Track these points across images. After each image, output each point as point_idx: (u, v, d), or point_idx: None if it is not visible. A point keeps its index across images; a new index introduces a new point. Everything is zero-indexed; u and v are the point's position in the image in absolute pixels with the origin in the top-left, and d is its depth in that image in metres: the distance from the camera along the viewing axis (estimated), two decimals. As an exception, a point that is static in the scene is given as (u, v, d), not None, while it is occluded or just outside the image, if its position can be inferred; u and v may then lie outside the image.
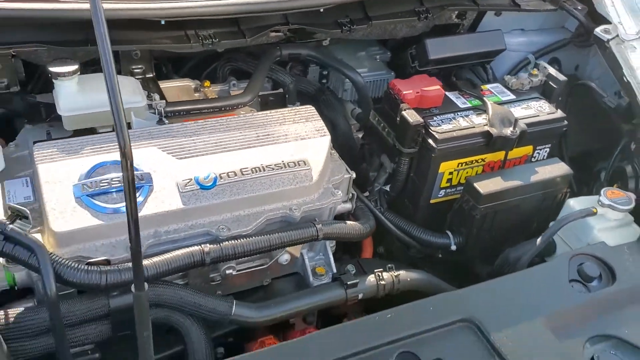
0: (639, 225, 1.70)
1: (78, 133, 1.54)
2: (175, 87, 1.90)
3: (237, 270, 1.51)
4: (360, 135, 2.08)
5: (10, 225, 1.21)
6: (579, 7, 2.16)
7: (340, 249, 1.85)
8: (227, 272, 1.49)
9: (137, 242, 0.93)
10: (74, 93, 1.50)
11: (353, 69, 1.99)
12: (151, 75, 1.79)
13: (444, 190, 1.84)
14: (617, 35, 1.96)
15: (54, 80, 1.49)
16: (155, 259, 1.31)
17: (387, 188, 1.90)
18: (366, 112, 1.98)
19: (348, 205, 1.68)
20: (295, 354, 1.26)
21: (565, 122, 1.88)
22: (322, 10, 1.79)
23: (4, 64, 1.61)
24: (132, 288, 0.97)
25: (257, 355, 1.27)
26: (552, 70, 1.98)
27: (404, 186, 1.86)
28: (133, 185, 0.87)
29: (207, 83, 1.93)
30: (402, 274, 1.59)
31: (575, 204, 1.72)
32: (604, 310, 1.45)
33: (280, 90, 2.01)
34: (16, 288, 1.36)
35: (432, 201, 1.85)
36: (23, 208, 1.24)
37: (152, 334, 1.06)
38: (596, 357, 1.35)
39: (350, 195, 1.69)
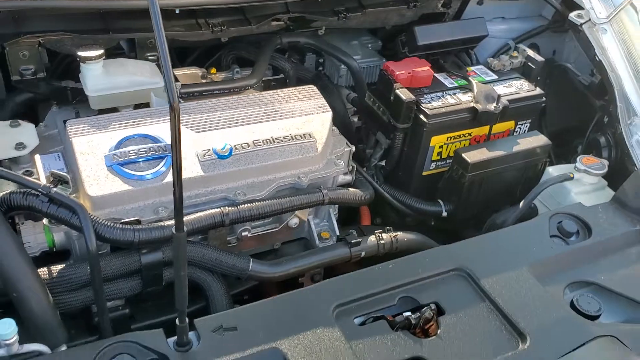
0: (612, 189, 1.88)
1: (102, 113, 1.69)
2: (184, 75, 2.05)
3: (252, 233, 1.66)
4: (355, 119, 2.25)
5: (54, 189, 1.36)
6: (556, -5, 2.35)
7: (340, 222, 2.01)
8: (243, 234, 1.65)
9: (180, 187, 1.07)
10: (100, 75, 1.65)
11: (348, 54, 2.15)
12: (164, 62, 1.94)
13: (435, 163, 2.01)
14: (589, 20, 2.14)
15: (81, 64, 1.64)
16: (181, 218, 1.46)
17: (383, 163, 2.07)
18: (361, 94, 2.15)
19: (348, 177, 1.84)
20: (308, 299, 1.42)
21: (544, 99, 2.05)
22: (320, -1, 1.96)
23: (32, 51, 1.75)
24: (173, 229, 1.12)
25: (275, 301, 1.42)
26: (530, 52, 2.16)
27: (398, 160, 2.03)
28: (179, 133, 1.01)
29: (213, 70, 2.09)
30: (400, 234, 1.76)
31: (554, 171, 1.90)
32: (582, 261, 1.62)
33: (281, 75, 2.17)
34: (54, 250, 1.51)
35: (424, 173, 2.02)
36: (64, 173, 1.40)
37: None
38: (575, 300, 1.51)
39: (351, 167, 1.85)
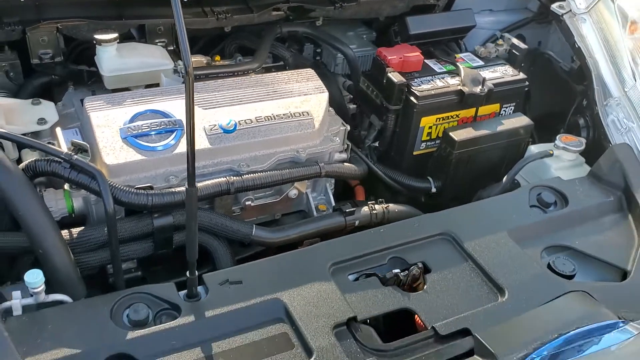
0: (590, 165, 2.02)
1: (115, 92, 1.83)
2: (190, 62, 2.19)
3: (254, 202, 1.80)
4: (351, 106, 2.38)
5: (75, 156, 1.50)
6: (540, -11, 2.50)
7: (336, 199, 2.14)
8: (247, 203, 1.78)
9: (192, 145, 1.20)
10: (114, 57, 1.79)
11: (344, 43, 2.29)
12: (172, 48, 2.08)
13: (425, 143, 2.15)
14: (570, 10, 2.28)
15: (97, 46, 1.78)
16: (190, 187, 1.60)
17: (377, 144, 2.21)
18: (356, 81, 2.29)
19: (344, 155, 1.97)
20: (307, 257, 1.56)
21: (527, 83, 2.20)
22: (317, -11, 2.11)
23: (50, 37, 1.89)
24: (186, 184, 1.25)
25: (277, 259, 1.56)
26: (515, 40, 2.30)
27: (390, 141, 2.17)
28: (192, 96, 1.14)
29: (217, 57, 2.23)
30: (391, 205, 1.90)
31: (535, 149, 2.04)
32: (558, 227, 1.76)
33: (281, 63, 2.30)
34: (73, 216, 1.65)
35: (415, 153, 2.16)
36: (84, 143, 1.53)
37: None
38: (552, 262, 1.65)
39: (346, 146, 1.99)
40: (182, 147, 1.66)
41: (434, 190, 2.11)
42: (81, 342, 1.29)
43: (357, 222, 1.83)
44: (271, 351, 1.34)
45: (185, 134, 1.67)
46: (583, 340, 1.23)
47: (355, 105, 2.33)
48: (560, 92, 2.37)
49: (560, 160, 1.99)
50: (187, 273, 1.37)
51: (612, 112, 2.02)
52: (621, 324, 1.33)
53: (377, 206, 1.88)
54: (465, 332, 1.42)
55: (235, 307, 1.40)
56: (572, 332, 1.26)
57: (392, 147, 2.18)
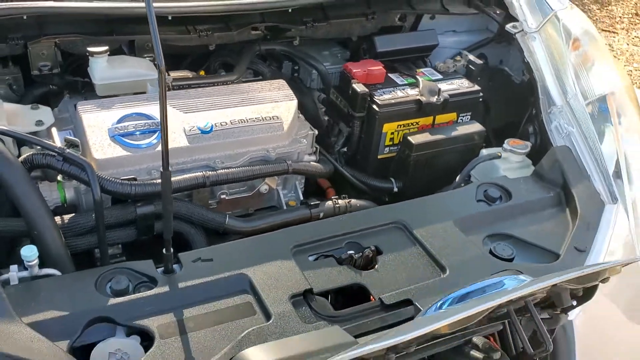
0: (536, 167, 2.23)
1: (106, 99, 2.05)
2: (177, 76, 2.42)
3: (229, 196, 2.00)
4: (326, 118, 2.60)
5: (68, 150, 1.71)
6: (498, 12, 2.73)
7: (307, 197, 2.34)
8: (222, 196, 1.99)
9: (165, 132, 1.41)
10: (105, 68, 2.01)
11: (317, 60, 2.53)
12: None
13: (388, 148, 2.36)
14: (522, 30, 2.51)
15: (90, 58, 2.01)
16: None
17: (345, 149, 2.43)
18: (327, 93, 2.51)
19: (313, 157, 2.19)
20: (272, 241, 1.75)
21: (481, 94, 2.42)
22: (290, 10, 2.34)
23: (49, 51, 2.12)
24: (160, 168, 1.45)
25: (245, 241, 1.76)
26: (471, 57, 2.53)
27: (357, 146, 2.38)
28: (165, 89, 1.35)
29: (202, 72, 2.46)
30: (353, 200, 2.11)
31: (485, 152, 2.25)
32: (501, 218, 1.96)
33: (260, 78, 2.53)
34: (65, 205, 1.85)
35: (379, 157, 2.37)
36: (75, 139, 1.75)
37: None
38: (492, 248, 1.84)
39: (314, 149, 2.20)
40: (164, 145, 1.87)
41: (395, 190, 2.32)
42: (69, 306, 1.48)
43: (321, 214, 2.03)
44: (235, 316, 1.53)
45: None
46: (489, 287, 1.41)
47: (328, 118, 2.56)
48: (515, 104, 2.59)
49: (508, 162, 2.20)
50: (164, 250, 1.57)
51: (555, 119, 2.23)
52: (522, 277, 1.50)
53: (340, 200, 2.08)
54: (407, 302, 1.61)
55: (206, 280, 1.60)
56: (480, 282, 1.45)
57: (359, 151, 2.39)
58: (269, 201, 2.13)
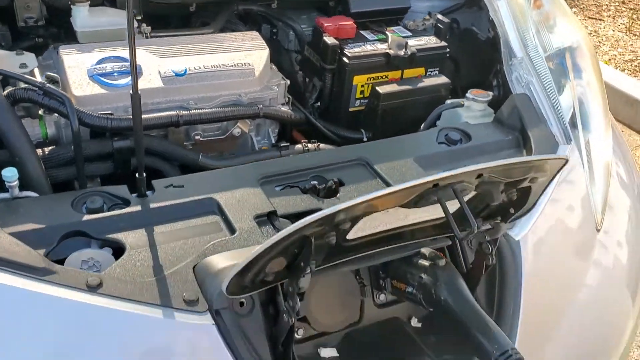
0: (498, 117, 2.34)
1: (88, 48, 2.16)
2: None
3: (203, 137, 2.12)
4: (300, 73, 2.70)
5: (48, 84, 1.82)
6: (468, -23, 2.85)
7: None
8: (196, 137, 2.10)
9: (134, 56, 1.51)
10: (86, 16, 2.13)
11: (294, 20, 2.64)
12: (139, 18, 2.42)
13: (359, 101, 2.47)
14: (488, -9, 2.63)
15: (72, 7, 2.12)
16: (146, 115, 1.92)
17: (318, 104, 2.54)
18: (301, 50, 2.62)
19: (286, 108, 2.30)
20: (241, 172, 1.87)
21: (448, 50, 2.53)
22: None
23: (33, 4, 2.23)
24: (130, 91, 1.56)
25: (215, 172, 1.87)
26: (439, 16, 2.64)
27: (329, 99, 2.49)
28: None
29: (182, 31, 2.57)
30: (322, 145, 2.22)
31: (449, 101, 2.36)
32: (460, 158, 2.06)
33: (238, 36, 2.65)
34: (47, 141, 1.96)
35: (350, 109, 2.48)
36: (55, 75, 1.86)
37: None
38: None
39: (287, 99, 2.32)
40: (140, 85, 1.97)
41: (365, 140, 2.42)
42: (46, 221, 1.59)
43: (290, 156, 2.14)
44: (203, 233, 1.64)
45: (142, 76, 2.01)
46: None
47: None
48: (482, 63, 2.70)
49: (471, 110, 2.31)
50: (137, 174, 1.68)
51: (515, 70, 2.35)
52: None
53: (310, 145, 2.19)
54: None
55: (176, 202, 1.71)
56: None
57: (331, 104, 2.50)
58: (242, 147, 2.24)
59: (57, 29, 2.31)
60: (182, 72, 2.04)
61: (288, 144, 2.16)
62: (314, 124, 2.40)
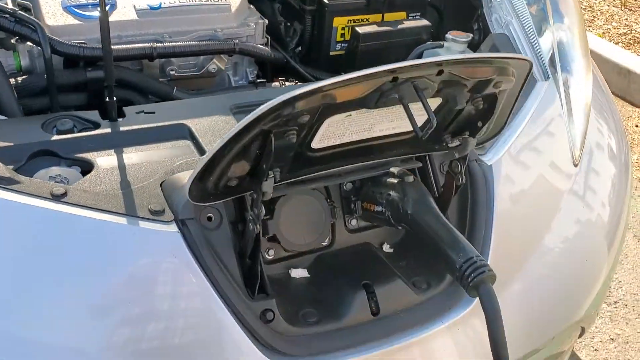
0: (478, 59, 2.32)
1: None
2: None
3: (178, 73, 2.11)
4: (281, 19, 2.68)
5: (19, 12, 1.81)
6: None
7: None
8: (171, 72, 2.09)
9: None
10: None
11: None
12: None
13: (340, 44, 2.46)
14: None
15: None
16: (119, 46, 1.91)
17: (299, 49, 2.53)
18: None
19: (264, 48, 2.29)
20: (213, 101, 1.86)
21: (430, -4, 2.53)
22: None
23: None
24: (98, 11, 1.55)
25: (187, 101, 1.87)
26: (421, -36, 2.63)
27: (310, 43, 2.48)
28: None
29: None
30: (300, 83, 2.21)
31: (429, 43, 2.35)
32: None
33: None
34: (21, 72, 1.95)
35: (331, 53, 2.47)
36: (27, 2, 1.84)
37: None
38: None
39: (265, 39, 2.30)
40: (114, 17, 1.98)
41: (345, 82, 2.41)
42: (15, 140, 1.59)
43: (265, 88, 2.14)
44: (173, 155, 1.63)
45: (117, 9, 2.00)
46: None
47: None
48: (465, 11, 2.69)
49: (451, 51, 2.30)
50: (107, 98, 1.67)
51: (495, 12, 2.33)
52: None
53: (287, 82, 2.18)
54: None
55: (147, 126, 1.70)
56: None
57: (312, 48, 2.49)
58: (220, 85, 2.23)
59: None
60: (157, 6, 2.03)
61: (264, 80, 2.15)
62: (293, 67, 2.39)
